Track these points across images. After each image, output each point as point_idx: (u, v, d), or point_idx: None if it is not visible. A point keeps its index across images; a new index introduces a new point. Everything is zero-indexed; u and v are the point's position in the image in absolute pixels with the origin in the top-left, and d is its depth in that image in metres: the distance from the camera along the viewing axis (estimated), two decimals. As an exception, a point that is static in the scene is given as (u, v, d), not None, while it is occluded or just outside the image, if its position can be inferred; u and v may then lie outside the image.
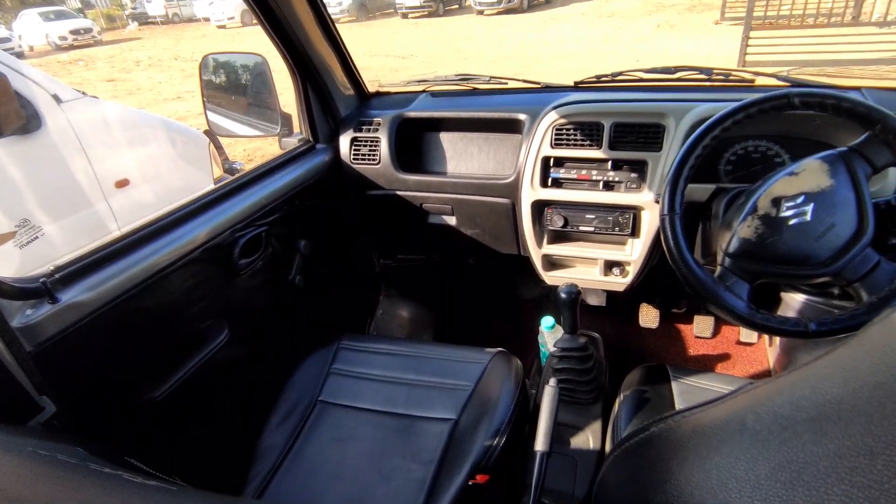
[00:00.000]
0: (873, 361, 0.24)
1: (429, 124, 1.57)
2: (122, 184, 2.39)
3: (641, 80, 1.46)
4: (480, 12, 14.77)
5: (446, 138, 1.56)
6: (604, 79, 1.49)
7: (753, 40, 6.57)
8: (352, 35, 12.70)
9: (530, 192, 1.33)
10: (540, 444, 0.94)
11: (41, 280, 0.84)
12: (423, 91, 1.66)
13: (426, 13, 15.70)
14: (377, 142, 1.52)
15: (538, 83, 1.57)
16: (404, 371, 1.25)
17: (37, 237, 1.89)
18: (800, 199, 0.88)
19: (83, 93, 2.33)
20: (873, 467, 0.21)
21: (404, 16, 16.02)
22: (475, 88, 1.62)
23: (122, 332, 0.97)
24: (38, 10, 15.42)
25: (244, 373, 1.32)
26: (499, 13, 14.34)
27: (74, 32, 15.28)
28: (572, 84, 1.53)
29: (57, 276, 0.88)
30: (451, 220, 1.57)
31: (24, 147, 1.99)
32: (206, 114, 1.47)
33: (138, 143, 2.51)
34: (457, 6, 16.67)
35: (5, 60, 2.00)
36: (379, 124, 1.53)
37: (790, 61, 6.37)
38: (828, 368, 0.28)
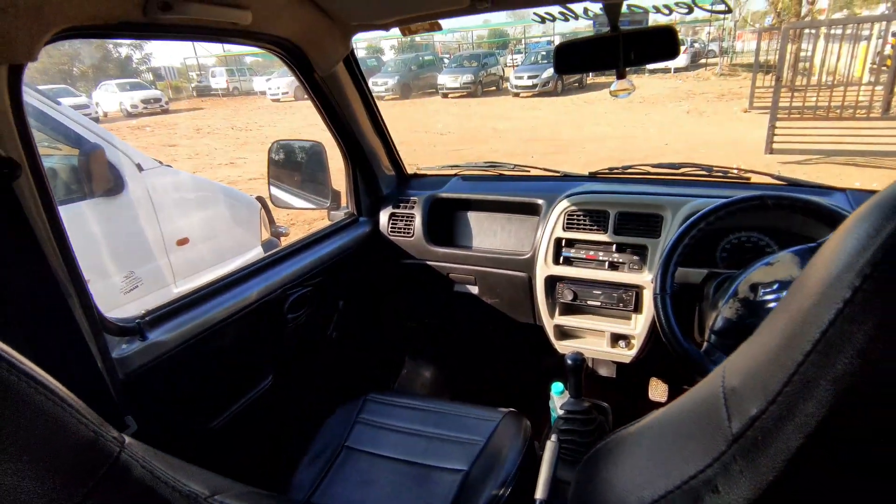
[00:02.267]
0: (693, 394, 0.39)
1: (459, 204, 1.78)
2: (182, 242, 2.68)
3: (649, 173, 1.65)
4: (517, 94, 15.66)
5: (473, 217, 1.77)
6: (616, 171, 1.69)
7: (780, 129, 6.77)
8: (395, 112, 13.66)
9: (544, 268, 1.50)
10: (539, 492, 1.04)
11: (136, 321, 1.04)
12: (456, 175, 1.89)
13: (465, 94, 16.74)
14: (412, 217, 1.73)
15: (557, 172, 1.78)
16: (423, 424, 1.38)
17: (136, 287, 2.15)
18: (775, 286, 1.02)
19: (160, 162, 2.68)
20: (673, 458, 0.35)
21: (444, 95, 17.11)
22: (501, 174, 1.84)
23: (191, 368, 1.15)
24: (117, 81, 17.32)
25: (283, 414, 1.47)
26: (534, 96, 15.19)
27: (145, 101, 16.93)
28: (588, 174, 1.73)
29: (147, 318, 1.08)
30: (474, 290, 1.74)
31: (108, 207, 2.30)
32: (269, 188, 1.72)
33: (200, 206, 2.83)
34: (494, 88, 17.74)
35: (102, 134, 2.36)
36: (415, 202, 1.75)
37: (818, 150, 6.51)
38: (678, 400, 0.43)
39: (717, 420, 0.36)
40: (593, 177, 1.70)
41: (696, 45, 20.81)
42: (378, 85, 16.96)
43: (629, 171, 1.67)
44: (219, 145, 10.79)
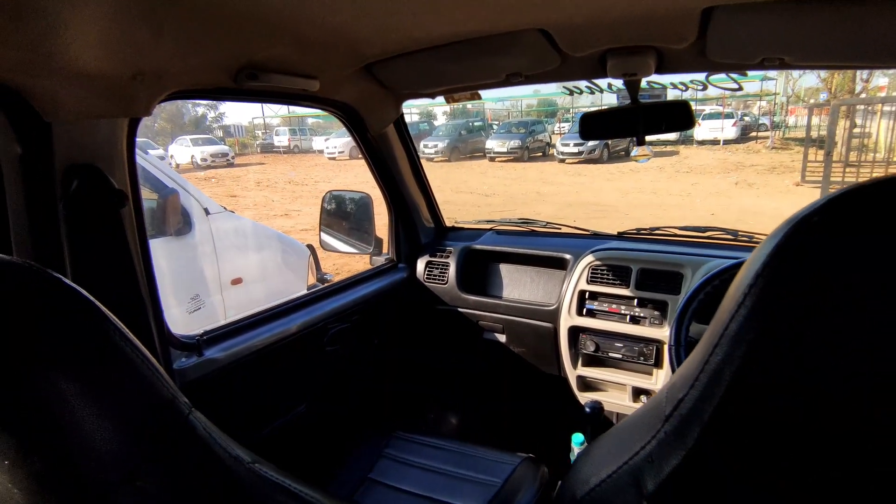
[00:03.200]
0: None
1: (491, 256, 1.90)
2: (236, 281, 2.90)
3: (675, 235, 1.73)
4: (562, 160, 16.01)
5: (504, 268, 1.88)
6: (643, 232, 1.78)
7: (832, 204, 6.63)
8: (442, 173, 14.22)
9: (567, 319, 1.57)
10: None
11: (196, 338, 1.18)
12: (491, 229, 2.03)
13: (511, 158, 17.25)
14: (447, 266, 1.86)
15: (587, 230, 1.89)
16: (444, 463, 1.43)
17: (200, 307, 2.37)
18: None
19: (224, 208, 2.95)
20: (625, 444, 0.44)
21: (492, 159, 17.68)
22: (533, 230, 1.96)
23: (236, 387, 1.28)
24: (191, 136, 18.96)
25: (313, 440, 1.56)
26: (579, 162, 15.48)
27: (214, 155, 18.35)
28: (616, 234, 1.82)
29: (205, 337, 1.22)
30: (502, 338, 1.82)
31: (176, 245, 2.55)
32: (319, 233, 1.90)
33: (255, 249, 3.07)
34: (541, 154, 18.20)
35: (178, 180, 2.66)
36: (450, 253, 1.88)
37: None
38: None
39: (659, 410, 0.44)
40: (621, 236, 1.79)
41: (747, 118, 20.82)
42: (428, 147, 17.79)
43: (656, 232, 1.76)
44: (276, 198, 11.48)
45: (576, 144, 15.52)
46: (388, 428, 1.57)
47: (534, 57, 1.23)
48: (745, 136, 18.57)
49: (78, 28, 0.74)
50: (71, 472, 0.46)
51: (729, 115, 18.59)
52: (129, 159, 0.95)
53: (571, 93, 1.42)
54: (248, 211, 9.76)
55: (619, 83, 1.33)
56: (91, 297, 0.49)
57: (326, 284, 1.66)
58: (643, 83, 1.29)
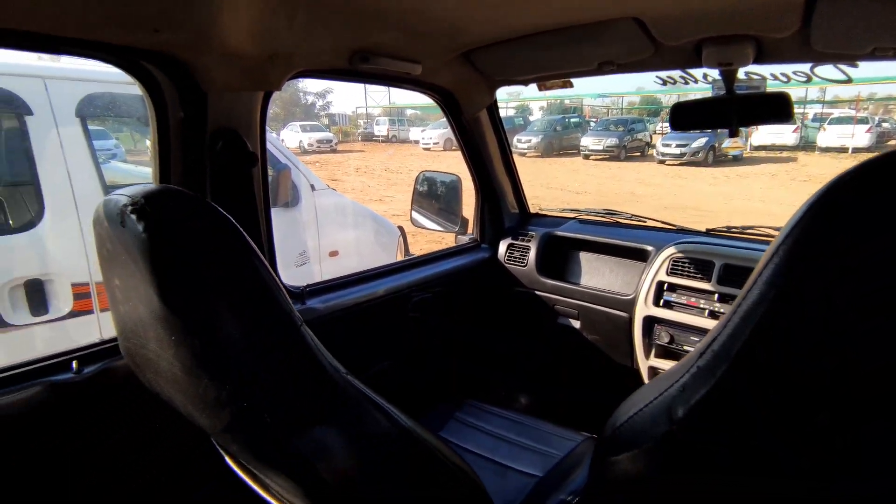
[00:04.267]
0: None
1: (572, 243, 1.93)
2: (333, 254, 3.16)
3: (768, 235, 1.66)
4: (662, 162, 15.22)
5: (584, 256, 1.91)
6: (734, 230, 1.73)
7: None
8: (534, 168, 14.09)
9: (643, 308, 1.58)
10: None
11: (301, 289, 1.36)
12: (574, 218, 2.06)
13: (607, 157, 16.69)
14: (528, 250, 1.92)
15: (673, 225, 1.86)
16: (508, 431, 1.52)
17: (305, 263, 2.68)
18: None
19: (327, 185, 3.22)
20: (663, 382, 0.50)
21: (586, 157, 17.22)
22: (618, 222, 1.97)
23: (330, 336, 1.44)
24: (300, 122, 20.42)
25: (390, 397, 1.71)
26: (681, 164, 14.63)
27: (320, 141, 19.60)
28: (704, 230, 1.78)
29: (308, 289, 1.40)
30: (576, 324, 1.85)
31: (287, 215, 2.83)
32: (411, 211, 2.05)
33: (352, 226, 3.32)
34: (639, 154, 17.43)
35: (291, 158, 2.95)
36: (532, 237, 1.94)
37: None
38: None
39: (696, 352, 0.50)
40: (708, 233, 1.75)
41: (886, 124, 18.42)
42: (521, 142, 17.69)
43: (748, 231, 1.70)
44: (373, 183, 12.04)
45: (678, 145, 14.68)
46: (459, 395, 1.68)
47: (627, 46, 1.26)
48: (881, 143, 16.45)
49: (233, 15, 0.90)
50: (219, 355, 0.61)
51: (863, 121, 16.55)
52: (261, 128, 1.13)
53: (665, 83, 1.42)
54: (346, 195, 10.32)
55: (714, 73, 1.32)
56: (235, 223, 0.64)
57: (413, 256, 1.80)
58: (740, 73, 1.27)
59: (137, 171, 3.53)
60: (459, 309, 1.90)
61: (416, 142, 22.37)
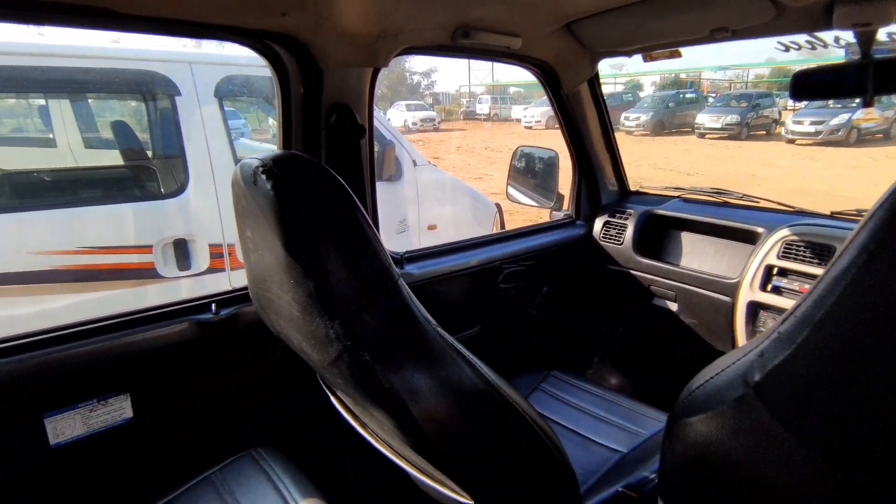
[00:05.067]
0: None
1: (673, 223, 1.86)
2: (431, 227, 3.28)
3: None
4: (791, 141, 13.64)
5: (686, 236, 1.82)
6: (865, 212, 1.56)
7: None
8: (642, 147, 13.33)
9: (748, 293, 1.49)
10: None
11: (400, 254, 1.46)
12: (678, 196, 1.97)
13: (725, 135, 15.28)
14: (625, 227, 1.88)
15: (791, 206, 1.72)
16: (594, 406, 1.53)
17: (404, 231, 2.87)
18: None
19: (429, 161, 3.33)
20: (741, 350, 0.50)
21: (701, 135, 15.91)
22: (726, 202, 1.85)
23: (426, 299, 1.54)
24: (406, 102, 21.07)
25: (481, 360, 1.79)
26: (815, 144, 13.01)
27: (423, 120, 20.12)
28: (829, 213, 1.63)
29: (406, 255, 1.50)
30: (674, 306, 1.79)
31: (390, 189, 2.99)
32: (507, 186, 2.08)
33: (450, 201, 3.42)
34: (764, 132, 15.75)
35: (395, 134, 3.09)
36: (630, 215, 1.89)
37: None
38: None
39: (778, 320, 0.50)
40: (833, 216, 1.59)
41: None
42: (629, 119, 16.75)
43: None
44: (473, 161, 12.14)
45: (812, 122, 13.03)
46: (545, 367, 1.71)
47: (744, 9, 1.18)
48: None
49: (347, -2, 0.99)
50: (329, 297, 0.70)
51: None
52: (369, 102, 1.22)
53: (788, 49, 1.30)
54: (447, 172, 10.52)
55: (848, 36, 1.19)
56: (347, 186, 0.72)
57: (506, 230, 1.84)
58: (881, 35, 1.13)
59: (261, 147, 3.90)
60: (550, 283, 1.92)
61: (518, 120, 22.10)
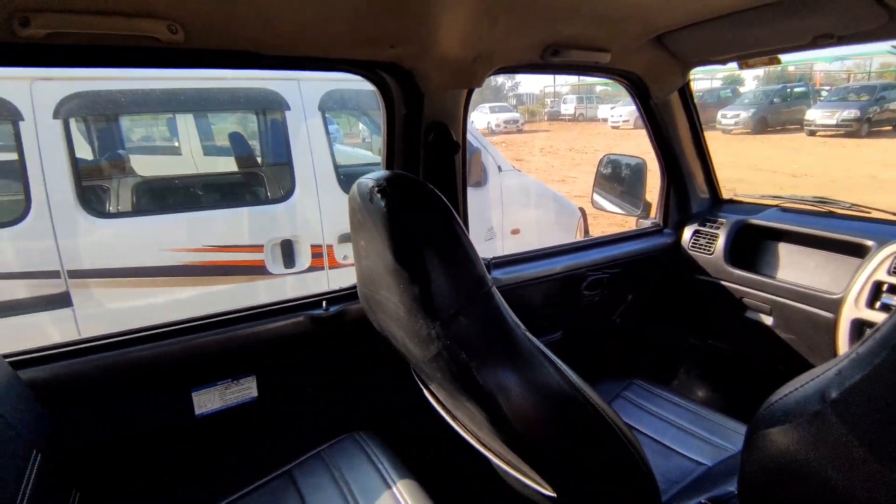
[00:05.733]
0: None
1: (770, 233, 1.79)
2: (515, 232, 3.34)
3: None
4: (925, 138, 12.10)
5: (784, 248, 1.75)
6: None
7: None
8: (740, 147, 12.45)
9: (853, 310, 1.42)
10: None
11: (487, 261, 1.55)
12: (776, 206, 1.88)
13: (841, 132, 13.83)
14: (716, 237, 1.84)
15: (910, 218, 1.60)
16: (678, 417, 1.52)
17: (492, 238, 2.98)
18: None
19: (513, 167, 3.39)
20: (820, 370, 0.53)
21: (812, 133, 14.52)
22: (831, 211, 1.75)
23: (510, 303, 1.62)
24: (490, 104, 21.18)
25: None
26: (955, 141, 11.46)
27: (506, 122, 20.13)
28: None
29: (493, 261, 1.59)
30: (768, 320, 1.73)
31: (476, 194, 3.10)
32: (592, 193, 2.10)
33: (534, 206, 3.46)
34: (890, 128, 14.07)
35: (482, 140, 3.19)
36: (722, 224, 1.85)
37: None
38: None
39: (858, 342, 0.53)
40: None
41: None
42: (727, 117, 15.64)
43: None
44: (556, 163, 11.98)
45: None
46: (627, 375, 1.72)
47: (851, 15, 1.14)
48: None
49: (448, 28, 1.09)
50: (431, 300, 0.80)
51: None
52: (464, 120, 1.33)
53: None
54: (529, 175, 10.47)
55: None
56: (447, 202, 0.82)
57: (590, 237, 1.87)
58: None
59: (353, 153, 4.16)
60: (635, 292, 1.92)
61: (604, 120, 21.44)
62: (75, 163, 2.21)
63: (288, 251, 2.56)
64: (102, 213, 2.35)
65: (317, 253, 2.60)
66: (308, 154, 2.57)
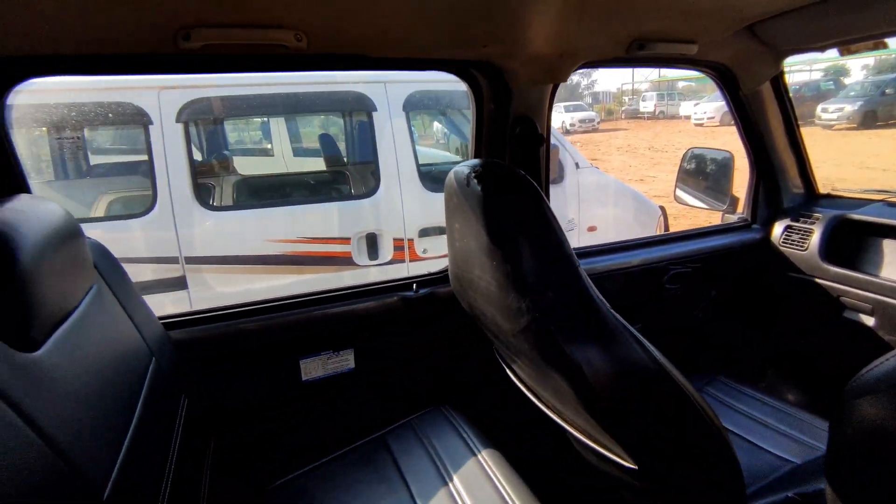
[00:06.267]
0: None
1: (873, 229, 1.69)
2: (591, 229, 3.33)
3: None
4: None
5: (889, 244, 1.65)
6: None
7: None
8: (843, 143, 11.42)
9: (968, 308, 1.32)
10: None
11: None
12: (882, 200, 1.77)
13: (970, 126, 12.30)
14: (810, 232, 1.76)
15: None
16: (764, 415, 1.48)
17: (572, 229, 3.03)
18: None
19: (591, 163, 3.38)
20: None
21: (932, 127, 13.02)
22: (950, 207, 1.63)
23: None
24: (564, 103, 20.88)
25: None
26: None
27: (582, 121, 19.73)
28: None
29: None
30: (870, 321, 1.63)
31: (552, 190, 3.12)
32: (675, 188, 2.07)
33: (612, 203, 3.42)
34: None
35: (559, 137, 3.20)
36: (817, 219, 1.76)
37: None
38: None
39: None
40: None
41: None
42: (829, 111, 14.30)
43: None
44: (634, 163, 11.59)
45: None
46: (710, 370, 1.69)
47: None
48: None
49: (537, 27, 1.16)
50: (522, 277, 0.87)
51: None
52: (548, 114, 1.38)
53: None
54: (609, 174, 10.22)
55: None
56: (538, 186, 0.89)
57: (672, 231, 1.85)
58: None
59: (427, 152, 4.31)
60: (719, 287, 1.88)
61: (687, 117, 20.41)
62: (192, 161, 2.49)
63: (372, 244, 2.72)
64: (211, 207, 2.63)
65: (398, 246, 2.75)
66: (392, 153, 2.72)
